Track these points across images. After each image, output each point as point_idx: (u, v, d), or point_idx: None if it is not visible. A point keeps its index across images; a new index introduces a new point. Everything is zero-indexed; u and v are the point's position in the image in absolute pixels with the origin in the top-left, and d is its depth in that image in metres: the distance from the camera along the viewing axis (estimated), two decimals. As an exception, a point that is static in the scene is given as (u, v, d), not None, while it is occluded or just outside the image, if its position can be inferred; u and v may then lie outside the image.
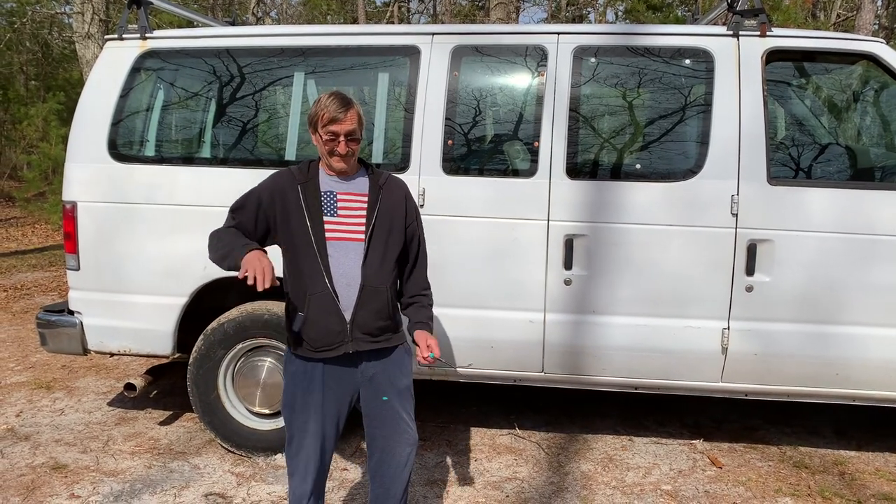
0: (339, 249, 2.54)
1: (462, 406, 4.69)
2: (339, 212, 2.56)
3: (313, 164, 2.63)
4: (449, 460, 3.95)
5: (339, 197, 2.57)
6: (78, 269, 3.95)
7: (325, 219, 2.53)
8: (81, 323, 3.99)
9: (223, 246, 2.47)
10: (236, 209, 2.62)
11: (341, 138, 2.47)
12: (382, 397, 2.63)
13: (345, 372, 2.60)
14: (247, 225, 2.58)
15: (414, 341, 2.64)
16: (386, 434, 2.66)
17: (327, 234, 2.53)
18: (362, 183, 2.61)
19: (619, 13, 25.19)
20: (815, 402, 3.80)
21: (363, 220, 2.57)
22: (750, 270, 3.53)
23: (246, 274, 2.26)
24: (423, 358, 2.54)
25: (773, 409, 4.63)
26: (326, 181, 2.58)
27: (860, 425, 4.46)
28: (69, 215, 3.92)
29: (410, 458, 2.69)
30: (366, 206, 2.58)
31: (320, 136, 2.49)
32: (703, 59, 3.61)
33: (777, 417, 4.57)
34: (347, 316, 2.54)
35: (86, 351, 4.04)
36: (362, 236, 2.56)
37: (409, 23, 29.49)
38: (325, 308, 2.52)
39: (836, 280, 3.50)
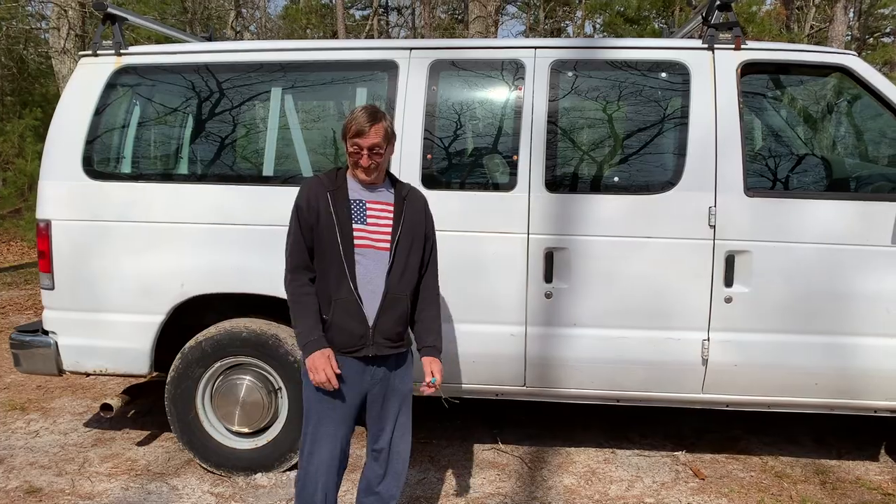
0: (365, 256, 2.65)
1: (444, 421, 4.67)
2: (368, 220, 2.66)
3: (341, 171, 2.74)
4: (432, 476, 3.92)
5: (367, 206, 2.68)
6: (52, 288, 3.88)
7: (355, 226, 2.64)
8: (56, 343, 3.92)
9: (298, 326, 2.67)
10: (293, 242, 2.71)
11: (364, 151, 2.58)
12: (389, 402, 2.79)
13: (357, 370, 2.70)
14: (308, 247, 2.68)
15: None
16: (389, 438, 2.82)
17: (356, 242, 2.64)
18: (388, 193, 2.74)
19: (597, 26, 25.44)
20: (795, 412, 3.81)
21: (389, 230, 2.68)
22: (729, 282, 3.55)
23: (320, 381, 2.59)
24: (427, 385, 2.75)
25: (755, 418, 4.65)
26: (355, 189, 2.69)
27: (840, 434, 4.49)
28: (43, 233, 3.86)
29: (406, 463, 2.88)
30: (392, 216, 2.69)
31: (347, 147, 2.61)
32: (679, 72, 3.64)
33: (758, 427, 4.59)
34: (370, 321, 2.66)
35: (61, 371, 3.97)
36: (388, 245, 2.67)
37: (388, 35, 29.59)
38: (349, 313, 2.64)
39: (814, 290, 3.52)
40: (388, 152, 2.67)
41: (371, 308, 2.66)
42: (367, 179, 2.65)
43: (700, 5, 4.01)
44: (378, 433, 2.82)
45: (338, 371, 2.62)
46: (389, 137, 2.64)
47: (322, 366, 2.59)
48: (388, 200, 2.72)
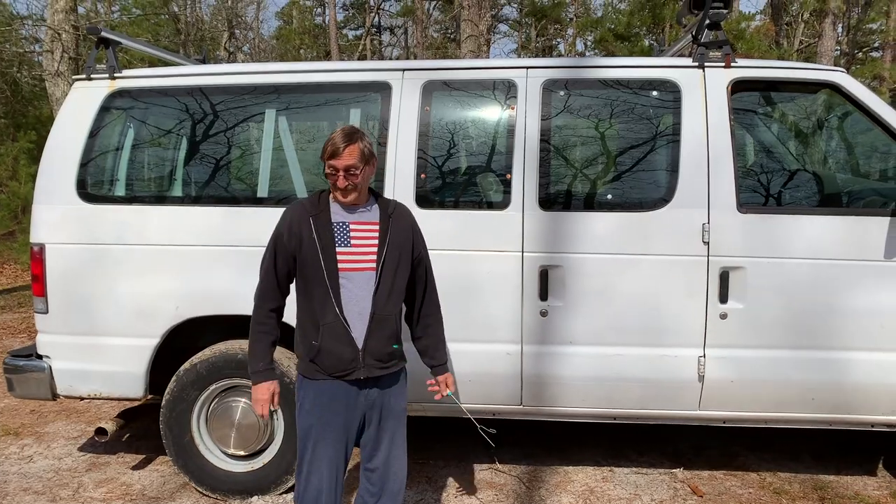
0: (350, 279, 2.64)
1: (440, 441, 4.64)
2: (353, 242, 2.65)
3: (324, 194, 2.73)
4: (430, 497, 3.89)
5: (351, 227, 2.66)
6: (46, 312, 3.87)
7: (339, 249, 2.63)
8: (50, 367, 3.90)
9: (250, 352, 2.78)
10: (264, 270, 2.75)
11: (340, 172, 2.57)
12: (384, 422, 2.79)
13: (351, 393, 2.70)
14: (279, 277, 2.72)
15: (434, 380, 2.96)
16: (385, 457, 2.81)
17: (340, 266, 2.62)
18: (372, 212, 2.72)
19: (588, 43, 25.63)
20: (793, 427, 3.81)
21: (375, 250, 2.67)
22: (723, 298, 3.55)
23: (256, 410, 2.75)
24: (442, 395, 2.92)
25: (753, 434, 4.64)
26: (338, 212, 2.68)
27: (839, 449, 4.48)
28: (37, 257, 3.85)
29: (403, 483, 2.87)
30: (377, 235, 2.68)
31: (325, 169, 2.61)
32: (670, 90, 3.66)
33: (756, 443, 4.58)
34: (359, 344, 2.65)
35: (55, 396, 3.95)
36: (374, 265, 2.66)
37: (381, 55, 29.75)
38: (337, 337, 2.63)
39: (808, 306, 3.53)
40: (365, 173, 2.62)
41: (359, 330, 2.65)
42: (345, 200, 2.63)
43: (690, 24, 4.04)
44: (372, 453, 2.80)
45: (275, 408, 2.79)
46: (367, 158, 2.61)
47: (263, 399, 2.73)
48: (372, 220, 2.70)
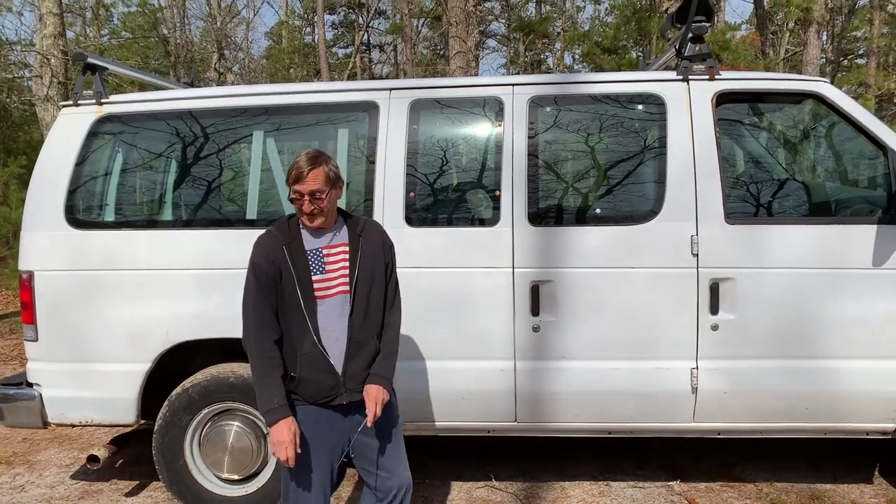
0: (326, 306, 2.60)
1: (436, 459, 4.62)
2: (327, 268, 2.62)
3: (293, 220, 2.67)
4: (425, 517, 3.87)
5: (324, 253, 2.63)
6: (36, 339, 3.84)
7: (314, 277, 2.59)
8: (41, 395, 3.87)
9: (260, 389, 2.57)
10: (253, 305, 2.59)
11: (305, 197, 2.52)
12: (376, 441, 2.73)
13: (335, 419, 2.66)
14: (271, 307, 2.59)
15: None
16: (385, 463, 2.75)
17: (317, 294, 2.59)
18: (342, 233, 2.69)
19: (576, 56, 25.80)
20: (788, 437, 3.80)
21: (347, 272, 2.63)
22: (714, 309, 3.56)
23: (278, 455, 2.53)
24: (369, 420, 2.61)
25: (748, 445, 4.63)
26: (309, 239, 2.63)
27: (835, 457, 4.48)
28: (26, 285, 3.83)
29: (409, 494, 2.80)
30: (348, 256, 2.64)
31: (290, 194, 2.56)
32: (656, 104, 3.69)
33: (752, 453, 4.57)
34: (339, 369, 2.61)
35: (46, 424, 3.91)
36: (347, 288, 2.63)
37: (371, 72, 29.87)
38: (316, 366, 2.59)
39: (799, 315, 3.54)
40: (331, 196, 2.57)
41: (337, 357, 2.61)
42: (312, 225, 2.58)
43: (674, 38, 4.07)
44: (370, 464, 2.75)
45: (294, 452, 2.51)
46: (332, 181, 2.56)
47: (287, 441, 2.50)
48: (342, 241, 2.67)
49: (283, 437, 2.51)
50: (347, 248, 2.65)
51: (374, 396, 2.61)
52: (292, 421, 2.55)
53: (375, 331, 2.69)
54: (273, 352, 2.59)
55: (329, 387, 2.60)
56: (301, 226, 2.63)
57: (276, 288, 2.58)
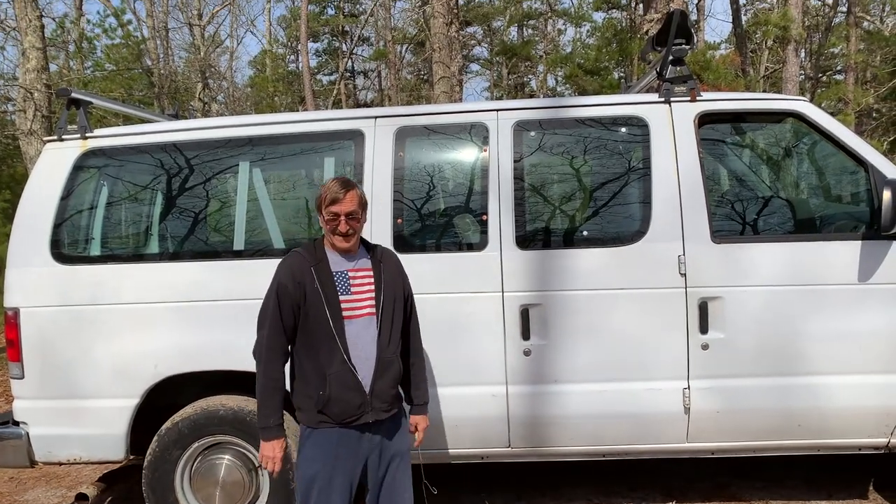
0: (354, 326, 2.70)
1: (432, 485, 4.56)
2: (353, 289, 2.73)
3: (318, 242, 2.80)
4: (421, 546, 3.82)
5: (350, 275, 2.74)
6: (22, 377, 3.79)
7: (342, 297, 2.69)
8: (27, 434, 3.81)
9: (261, 407, 2.74)
10: (270, 325, 2.70)
11: (342, 217, 2.66)
12: (387, 463, 2.83)
13: (354, 439, 2.74)
14: (286, 329, 2.70)
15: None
16: (390, 494, 2.85)
17: (344, 314, 2.69)
18: (365, 259, 2.82)
19: (559, 78, 26.06)
20: (783, 455, 3.80)
21: (372, 296, 2.75)
22: (704, 328, 3.57)
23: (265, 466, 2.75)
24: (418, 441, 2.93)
25: (743, 463, 4.62)
26: (336, 260, 2.75)
27: (830, 473, 4.47)
28: (11, 322, 3.78)
29: None
30: (373, 281, 2.77)
31: (324, 217, 2.68)
32: (639, 126, 3.72)
33: (747, 471, 4.56)
34: (367, 388, 2.69)
35: (33, 463, 3.85)
36: (373, 310, 2.74)
37: (356, 99, 30.02)
38: (345, 384, 2.67)
39: (787, 332, 3.55)
40: (363, 218, 2.77)
41: (366, 375, 2.70)
42: (346, 246, 2.72)
43: (655, 61, 4.12)
44: (378, 493, 2.84)
45: (279, 467, 2.74)
46: (363, 204, 2.75)
47: (276, 458, 2.73)
48: (366, 266, 2.80)
49: (274, 453, 2.73)
50: (371, 273, 2.79)
51: (423, 428, 2.96)
52: (283, 442, 2.76)
53: (398, 351, 2.82)
54: (279, 374, 2.71)
55: (356, 405, 2.68)
56: (327, 249, 2.76)
57: (298, 312, 2.68)
